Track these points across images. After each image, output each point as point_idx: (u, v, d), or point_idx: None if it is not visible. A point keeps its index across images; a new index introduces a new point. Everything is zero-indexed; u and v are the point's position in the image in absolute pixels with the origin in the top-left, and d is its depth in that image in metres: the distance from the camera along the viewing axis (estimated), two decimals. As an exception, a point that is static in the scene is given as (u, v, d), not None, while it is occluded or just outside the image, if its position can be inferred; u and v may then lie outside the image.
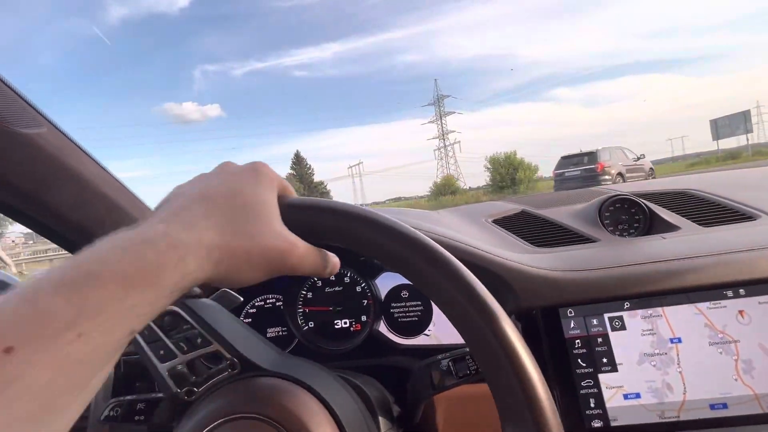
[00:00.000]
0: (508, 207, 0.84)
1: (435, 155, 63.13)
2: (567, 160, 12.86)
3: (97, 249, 0.24)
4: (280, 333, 0.71)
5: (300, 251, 0.31)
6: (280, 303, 0.72)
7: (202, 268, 0.26)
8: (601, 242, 0.64)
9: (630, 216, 0.69)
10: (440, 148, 61.72)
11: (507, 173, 25.99)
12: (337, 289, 0.70)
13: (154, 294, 0.24)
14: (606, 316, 0.49)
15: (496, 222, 0.75)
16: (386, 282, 0.70)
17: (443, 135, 61.34)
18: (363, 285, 0.70)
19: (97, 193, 0.60)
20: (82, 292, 0.21)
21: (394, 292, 0.69)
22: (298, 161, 47.80)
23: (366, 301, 0.69)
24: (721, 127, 27.90)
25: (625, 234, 0.68)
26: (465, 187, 45.53)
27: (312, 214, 0.32)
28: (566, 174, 12.37)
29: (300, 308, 0.70)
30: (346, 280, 0.71)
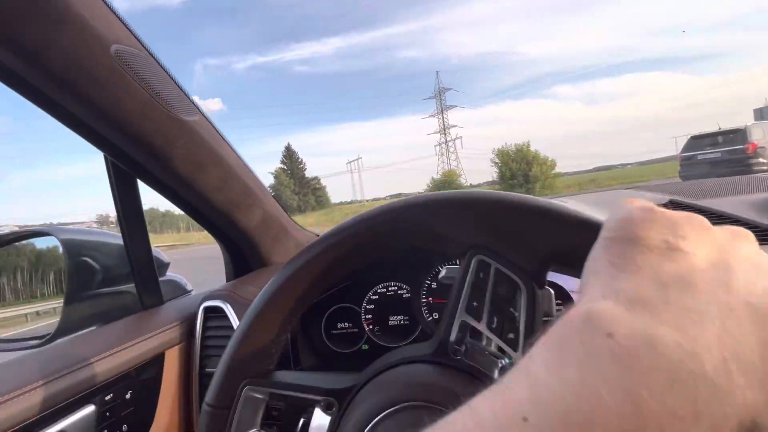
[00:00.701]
0: (647, 196, 0.75)
1: (436, 151, 61.99)
2: (700, 141, 9.89)
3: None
4: (402, 322, 0.70)
5: None
6: (403, 291, 0.70)
7: (747, 402, 0.15)
8: None
9: None
10: (441, 143, 60.91)
11: (519, 168, 23.65)
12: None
13: None
14: None
15: None
16: None
17: (444, 129, 60.85)
18: None
19: (237, 177, 0.68)
20: None
21: None
22: (289, 155, 46.42)
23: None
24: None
25: None
26: (466, 184, 44.86)
27: None
28: (699, 157, 9.50)
29: (424, 298, 0.68)
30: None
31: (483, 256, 0.36)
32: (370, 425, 0.34)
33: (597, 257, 0.19)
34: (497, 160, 25.13)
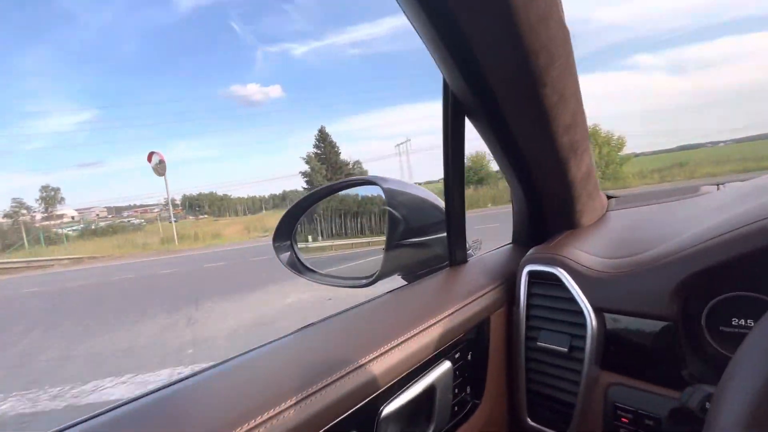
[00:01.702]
0: None
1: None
2: None
3: None
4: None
5: None
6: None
7: None
8: None
9: None
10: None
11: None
12: None
13: None
14: None
15: None
16: None
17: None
18: None
19: (583, 115, 0.58)
20: None
21: None
22: (323, 138, 41.24)
23: None
24: None
25: None
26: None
27: None
28: None
29: None
30: None
31: None
32: None
33: None
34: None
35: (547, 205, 0.70)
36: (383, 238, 0.70)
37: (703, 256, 0.48)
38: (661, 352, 0.51)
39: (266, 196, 63.68)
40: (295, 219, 0.80)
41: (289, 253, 0.82)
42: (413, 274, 0.73)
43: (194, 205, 59.31)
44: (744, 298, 0.50)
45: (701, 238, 0.50)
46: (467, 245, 0.82)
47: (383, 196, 0.70)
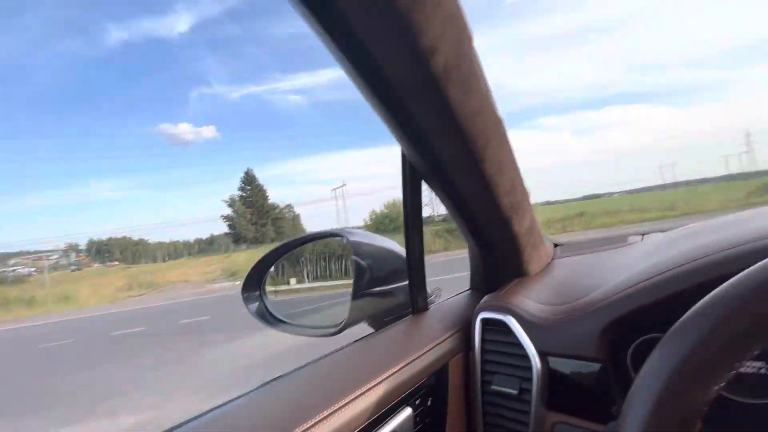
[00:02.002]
0: None
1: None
2: None
3: None
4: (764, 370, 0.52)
5: None
6: None
7: None
8: None
9: None
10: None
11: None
12: None
13: None
14: None
15: None
16: None
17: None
18: None
19: (521, 180, 0.67)
20: None
21: None
22: (249, 181, 39.46)
23: None
24: None
25: None
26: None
27: None
28: None
29: None
30: None
31: None
32: None
33: None
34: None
35: (498, 255, 0.78)
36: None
37: (624, 303, 0.56)
38: (596, 391, 0.57)
39: (191, 241, 56.03)
40: (264, 270, 0.83)
41: (257, 303, 0.84)
42: (379, 321, 0.78)
43: (102, 250, 52.25)
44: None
45: (623, 286, 0.58)
46: (429, 292, 0.87)
47: (351, 248, 0.75)
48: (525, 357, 0.62)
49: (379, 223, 24.10)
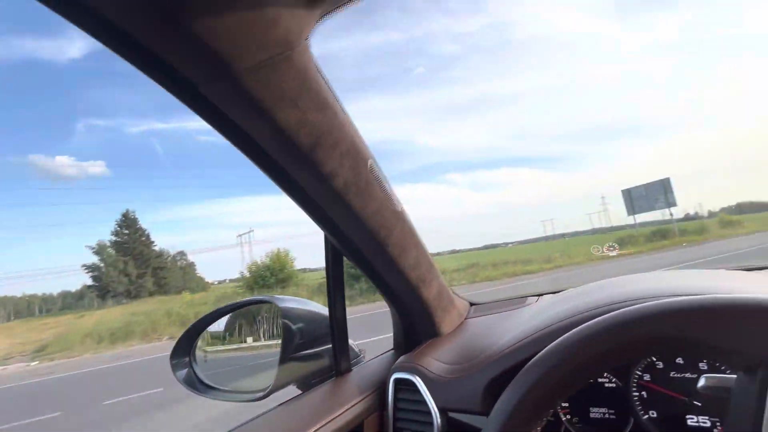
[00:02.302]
0: None
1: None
2: None
3: None
4: (607, 415, 0.64)
5: None
6: (606, 381, 0.65)
7: None
8: None
9: None
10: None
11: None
12: (689, 376, 0.58)
13: None
14: None
15: None
16: None
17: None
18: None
19: (425, 256, 0.76)
20: None
21: None
22: (128, 224, 32.38)
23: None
24: (636, 198, 22.38)
25: None
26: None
27: None
28: None
29: (635, 391, 0.62)
30: (702, 366, 0.58)
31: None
32: None
33: None
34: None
35: (413, 318, 0.88)
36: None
37: (505, 360, 0.67)
38: None
39: (55, 294, 41.77)
40: (193, 337, 0.87)
41: (186, 370, 0.86)
42: (306, 383, 0.83)
43: None
44: None
45: (506, 345, 0.69)
46: (357, 351, 0.94)
47: (280, 312, 0.82)
48: (430, 413, 0.70)
49: (259, 276, 20.11)
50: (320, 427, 0.64)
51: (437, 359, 0.78)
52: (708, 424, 0.55)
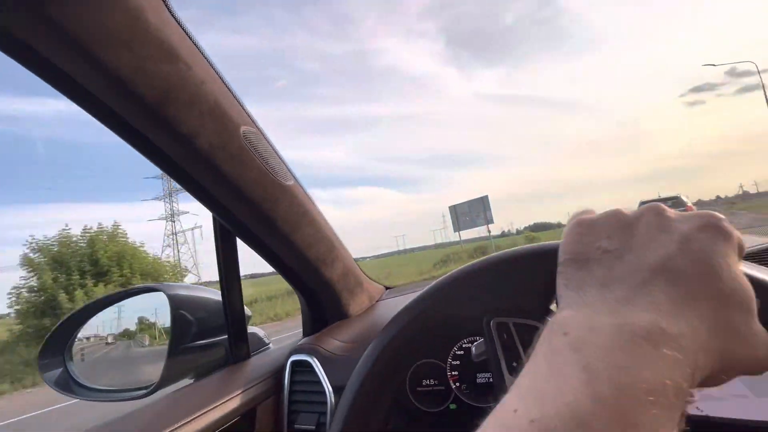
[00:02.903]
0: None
1: (168, 241, 40.46)
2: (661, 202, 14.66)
3: (593, 353, 0.19)
4: (490, 380, 0.68)
5: None
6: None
7: (696, 373, 0.20)
8: None
9: None
10: (174, 233, 40.29)
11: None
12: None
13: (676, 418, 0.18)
14: None
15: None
16: None
17: (172, 216, 40.39)
18: None
19: (324, 234, 0.75)
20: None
21: None
22: None
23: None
24: (460, 215, 22.87)
25: None
26: (199, 280, 32.71)
27: None
28: None
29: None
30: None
31: (499, 318, 0.42)
32: None
33: (557, 282, 0.26)
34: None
35: (319, 301, 0.86)
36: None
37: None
38: (381, 420, 0.66)
39: None
40: (68, 333, 0.78)
41: (60, 370, 0.77)
42: (201, 375, 0.77)
43: None
44: (429, 363, 0.70)
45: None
46: (267, 341, 0.91)
47: (168, 302, 0.76)
48: (324, 393, 0.68)
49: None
50: (203, 414, 0.60)
51: (337, 339, 0.77)
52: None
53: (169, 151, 0.51)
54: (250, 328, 0.89)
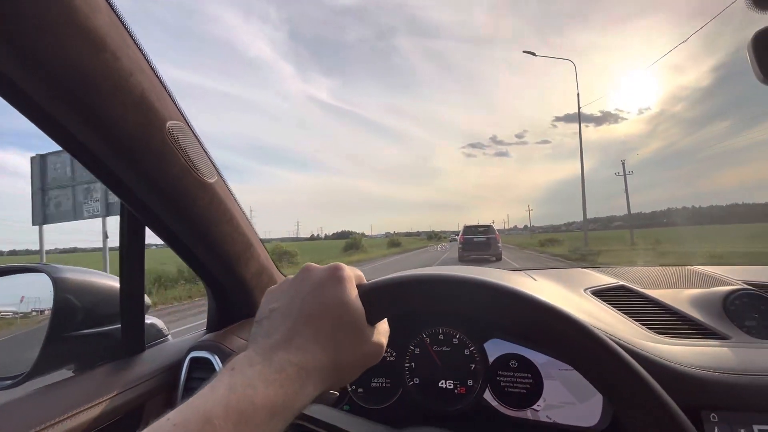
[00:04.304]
0: (602, 278, 0.87)
1: None
2: (470, 229, 17.00)
3: (240, 379, 0.28)
4: (384, 384, 0.72)
5: (384, 344, 0.37)
6: (387, 354, 0.73)
7: (317, 388, 0.31)
8: (734, 340, 0.62)
9: (761, 314, 0.67)
10: None
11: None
12: (444, 349, 0.71)
13: (289, 420, 0.28)
14: (756, 428, 0.44)
15: (596, 294, 0.79)
16: (495, 348, 0.68)
17: None
18: (471, 348, 0.69)
19: (242, 232, 0.74)
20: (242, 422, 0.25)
21: (502, 360, 0.67)
22: None
23: (473, 366, 0.68)
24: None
25: (754, 333, 0.64)
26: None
27: (391, 292, 0.36)
28: (474, 240, 16.39)
29: (407, 363, 0.72)
30: (455, 341, 0.71)
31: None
32: None
33: (252, 332, 0.35)
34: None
35: (229, 298, 0.84)
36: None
37: None
38: None
39: None
40: None
41: None
42: (86, 367, 0.71)
43: None
44: None
45: None
46: (166, 333, 0.86)
47: (51, 284, 0.68)
48: None
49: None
50: (80, 411, 0.56)
51: (242, 338, 0.77)
52: (451, 386, 0.69)
53: (84, 139, 0.47)
54: (149, 318, 0.84)
